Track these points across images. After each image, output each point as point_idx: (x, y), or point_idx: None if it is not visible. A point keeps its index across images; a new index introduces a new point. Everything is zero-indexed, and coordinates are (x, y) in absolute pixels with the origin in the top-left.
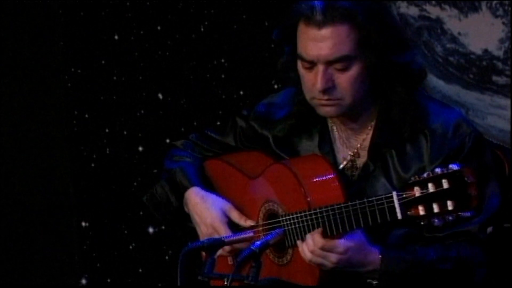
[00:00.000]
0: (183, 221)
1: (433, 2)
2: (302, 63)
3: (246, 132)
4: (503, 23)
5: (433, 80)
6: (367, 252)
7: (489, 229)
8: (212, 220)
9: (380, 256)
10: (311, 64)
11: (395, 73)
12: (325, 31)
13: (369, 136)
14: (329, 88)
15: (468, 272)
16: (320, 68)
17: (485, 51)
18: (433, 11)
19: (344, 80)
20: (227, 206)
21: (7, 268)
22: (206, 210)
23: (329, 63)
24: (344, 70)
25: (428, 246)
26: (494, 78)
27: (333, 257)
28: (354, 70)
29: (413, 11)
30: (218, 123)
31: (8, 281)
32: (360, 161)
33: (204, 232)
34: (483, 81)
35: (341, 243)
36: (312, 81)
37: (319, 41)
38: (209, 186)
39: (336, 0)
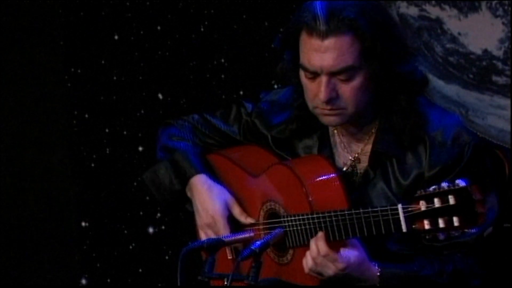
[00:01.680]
0: (182, 204)
1: (433, 2)
2: (304, 73)
3: (250, 126)
4: (503, 23)
5: (433, 80)
6: (365, 269)
7: (489, 230)
8: (214, 211)
9: (378, 274)
10: (314, 74)
11: (397, 82)
12: (329, 42)
13: (370, 142)
14: (332, 98)
15: (463, 283)
16: (324, 78)
17: (485, 51)
18: (433, 11)
19: (348, 90)
20: (231, 200)
21: (7, 268)
22: (210, 200)
23: (332, 74)
24: (347, 80)
25: (424, 258)
26: (494, 78)
27: (331, 270)
28: (357, 80)
29: (413, 11)
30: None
31: (8, 281)
32: (361, 166)
33: (203, 219)
34: (483, 81)
35: (343, 259)
36: (315, 91)
37: (322, 52)
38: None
39: (340, 10)
